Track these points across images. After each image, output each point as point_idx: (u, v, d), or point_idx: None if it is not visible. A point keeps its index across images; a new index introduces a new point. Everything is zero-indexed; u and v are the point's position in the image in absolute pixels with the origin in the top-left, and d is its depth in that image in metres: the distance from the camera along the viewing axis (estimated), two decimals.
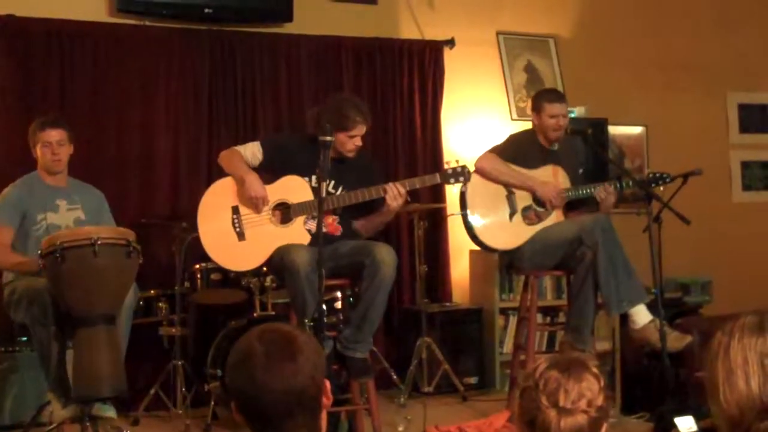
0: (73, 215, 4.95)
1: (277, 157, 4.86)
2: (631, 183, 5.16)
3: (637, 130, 7.52)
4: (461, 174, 4.85)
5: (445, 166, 4.95)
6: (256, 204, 4.74)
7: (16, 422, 5.18)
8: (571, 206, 5.30)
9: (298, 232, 4.77)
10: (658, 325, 4.79)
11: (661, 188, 5.19)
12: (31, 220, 4.82)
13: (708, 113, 7.72)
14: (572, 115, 6.60)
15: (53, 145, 4.89)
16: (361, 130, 4.79)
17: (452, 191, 6.09)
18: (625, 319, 5.16)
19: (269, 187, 4.79)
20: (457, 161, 4.93)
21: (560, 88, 7.05)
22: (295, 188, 4.80)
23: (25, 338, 4.92)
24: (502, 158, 5.24)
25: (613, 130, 7.15)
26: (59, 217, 4.90)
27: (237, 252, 4.79)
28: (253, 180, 4.75)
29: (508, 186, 5.23)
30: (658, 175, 5.22)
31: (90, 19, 6.00)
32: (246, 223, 4.78)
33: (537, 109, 5.32)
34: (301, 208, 4.78)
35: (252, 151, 4.87)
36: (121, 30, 6.08)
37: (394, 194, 4.71)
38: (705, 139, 7.55)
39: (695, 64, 7.61)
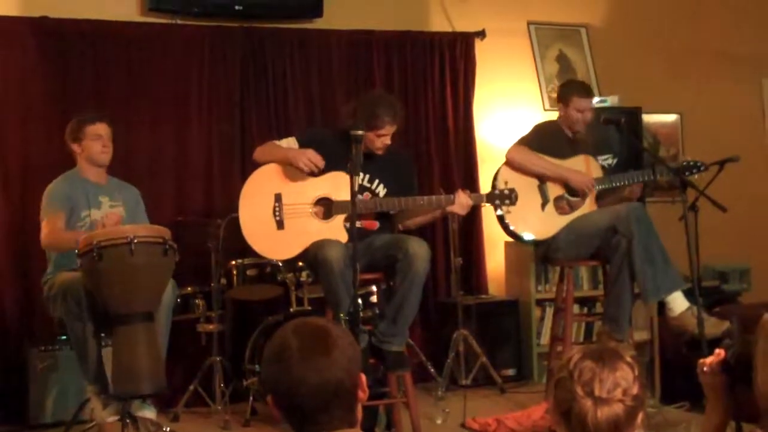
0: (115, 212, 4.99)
1: (314, 150, 4.86)
2: (665, 172, 5.11)
3: (671, 118, 7.46)
4: (508, 197, 4.80)
5: (493, 187, 4.94)
6: (308, 164, 4.72)
7: (57, 420, 5.23)
8: (601, 195, 5.27)
9: (337, 229, 4.76)
10: (695, 312, 4.75)
11: (696, 176, 5.14)
12: (76, 216, 4.87)
13: (743, 100, 7.64)
14: (605, 104, 6.58)
15: (103, 138, 4.96)
16: (390, 129, 4.76)
17: (486, 182, 6.07)
18: (662, 308, 5.13)
19: (316, 180, 4.80)
20: (506, 183, 4.91)
21: (593, 78, 7.03)
22: (340, 185, 4.73)
23: (65, 336, 4.97)
24: (532, 148, 5.22)
25: (647, 118, 7.08)
26: (102, 214, 4.94)
27: (274, 240, 4.79)
28: (297, 149, 4.78)
29: (540, 176, 5.21)
30: (692, 163, 5.15)
31: (122, 19, 6.05)
32: (287, 212, 4.79)
33: (565, 100, 5.32)
34: (344, 206, 4.73)
35: (288, 145, 4.88)
36: (153, 29, 6.13)
37: (462, 204, 4.71)
38: (741, 126, 7.46)
39: (730, 51, 7.52)
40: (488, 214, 6.32)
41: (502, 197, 4.80)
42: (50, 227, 4.76)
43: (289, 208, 4.79)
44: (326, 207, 4.82)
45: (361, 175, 4.73)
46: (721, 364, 2.36)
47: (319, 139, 4.96)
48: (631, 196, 5.28)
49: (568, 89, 5.41)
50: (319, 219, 4.81)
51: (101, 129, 4.96)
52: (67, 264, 4.69)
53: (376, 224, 4.86)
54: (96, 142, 4.94)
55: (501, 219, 5.17)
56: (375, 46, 6.64)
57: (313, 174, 4.78)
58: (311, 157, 4.74)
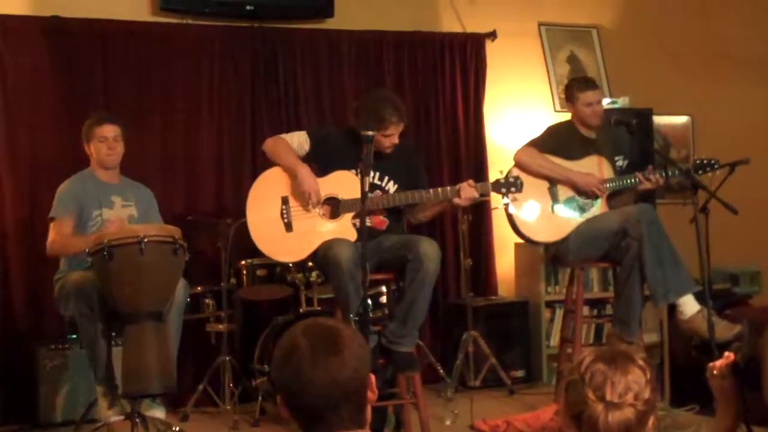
0: (126, 212, 5.00)
1: (324, 148, 4.85)
2: (677, 173, 5.08)
3: (682, 119, 7.44)
4: (513, 185, 4.82)
5: (498, 176, 4.94)
6: (309, 198, 4.71)
7: (67, 419, 5.25)
8: (613, 196, 5.25)
9: (346, 228, 4.75)
10: (706, 314, 4.73)
11: (710, 175, 5.12)
12: (87, 216, 4.88)
13: (755, 102, 7.61)
14: (616, 106, 6.57)
15: (109, 140, 4.96)
16: (396, 129, 4.74)
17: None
18: (672, 310, 5.11)
19: (321, 180, 4.78)
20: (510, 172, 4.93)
21: (603, 79, 7.02)
22: (346, 184, 4.76)
23: (75, 335, 4.98)
24: (542, 150, 5.21)
25: (658, 120, 7.07)
26: (114, 214, 4.95)
27: (283, 243, 4.79)
28: (306, 173, 4.72)
29: (548, 179, 5.20)
30: (706, 161, 5.12)
31: (133, 19, 6.06)
32: (294, 214, 4.78)
33: (571, 99, 5.35)
34: (351, 205, 4.75)
35: (299, 141, 4.86)
36: (163, 29, 6.13)
37: (468, 196, 4.71)
38: (752, 128, 7.43)
39: (741, 53, 7.50)
40: (498, 216, 6.32)
41: (508, 185, 4.82)
42: (57, 232, 4.80)
43: (297, 210, 4.78)
44: (333, 206, 4.81)
45: (372, 173, 4.72)
46: (730, 367, 2.36)
47: (328, 138, 4.96)
48: (655, 188, 5.23)
49: (571, 87, 5.45)
50: (326, 219, 4.80)
51: (107, 131, 4.96)
52: (80, 262, 4.68)
53: (385, 222, 4.86)
54: (102, 144, 4.95)
55: (507, 210, 5.17)
56: (385, 47, 6.64)
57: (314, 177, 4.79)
58: (315, 192, 4.71)
